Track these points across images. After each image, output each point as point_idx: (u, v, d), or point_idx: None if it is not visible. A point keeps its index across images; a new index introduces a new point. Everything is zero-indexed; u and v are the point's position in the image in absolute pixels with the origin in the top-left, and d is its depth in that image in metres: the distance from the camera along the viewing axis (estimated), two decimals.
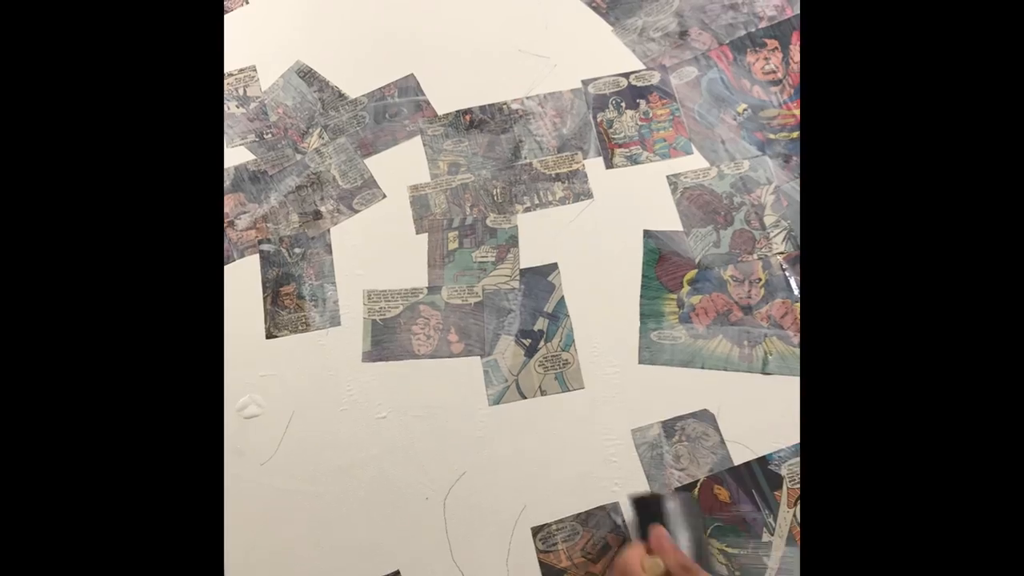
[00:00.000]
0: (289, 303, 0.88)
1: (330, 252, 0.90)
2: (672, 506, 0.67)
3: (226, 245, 0.91)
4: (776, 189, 0.89)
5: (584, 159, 0.92)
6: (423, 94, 0.98)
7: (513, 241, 0.89)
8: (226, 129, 0.98)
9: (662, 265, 0.86)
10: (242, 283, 0.89)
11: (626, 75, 0.98)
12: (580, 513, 0.77)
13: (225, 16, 1.06)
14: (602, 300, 0.85)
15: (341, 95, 0.99)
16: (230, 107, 1.00)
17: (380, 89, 0.99)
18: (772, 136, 0.93)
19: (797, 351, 0.81)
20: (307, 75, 1.01)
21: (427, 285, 0.87)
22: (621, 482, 0.78)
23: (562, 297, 0.86)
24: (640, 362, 0.82)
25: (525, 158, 0.93)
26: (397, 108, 0.98)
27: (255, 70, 1.02)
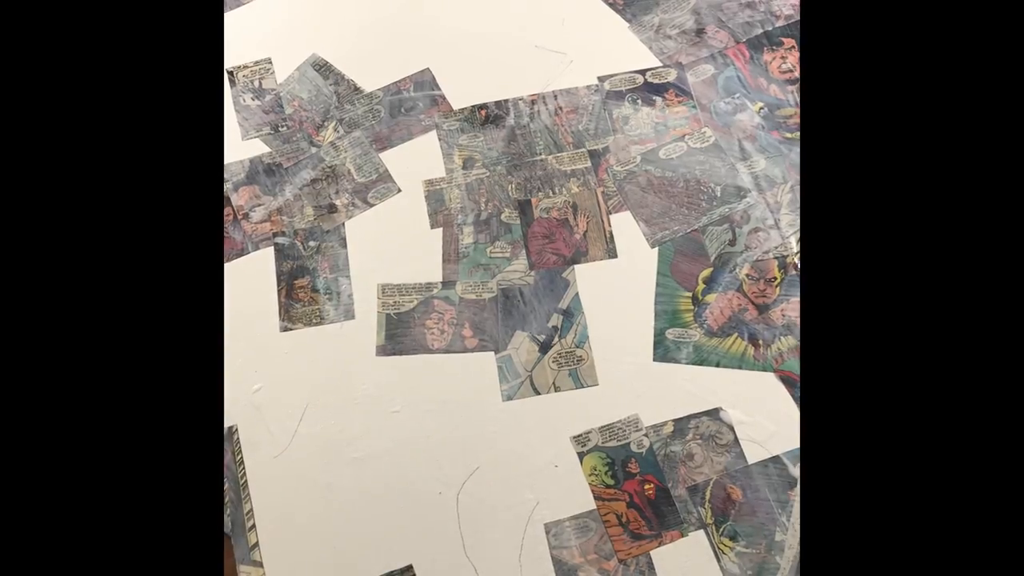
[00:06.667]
0: (303, 296, 0.87)
1: (345, 246, 0.90)
2: None
3: (240, 238, 0.91)
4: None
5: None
6: (439, 88, 0.98)
7: None
8: (241, 121, 0.98)
9: (677, 263, 0.86)
10: (256, 275, 0.89)
11: (642, 72, 0.97)
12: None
13: (241, 7, 1.06)
14: (617, 297, 0.85)
15: (357, 88, 0.99)
16: (245, 99, 0.99)
17: (396, 83, 0.99)
18: (788, 135, 0.92)
19: None
20: (323, 68, 1.00)
21: (442, 280, 0.87)
22: None
23: (577, 293, 0.85)
24: (654, 359, 0.82)
25: (540, 154, 0.93)
26: (413, 102, 0.98)
27: (270, 62, 1.01)
